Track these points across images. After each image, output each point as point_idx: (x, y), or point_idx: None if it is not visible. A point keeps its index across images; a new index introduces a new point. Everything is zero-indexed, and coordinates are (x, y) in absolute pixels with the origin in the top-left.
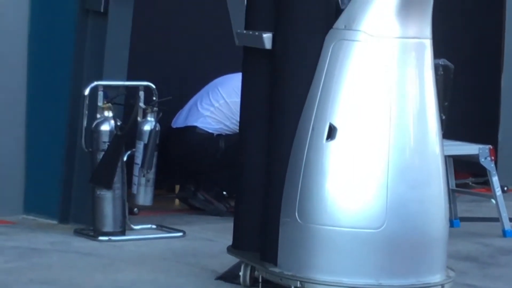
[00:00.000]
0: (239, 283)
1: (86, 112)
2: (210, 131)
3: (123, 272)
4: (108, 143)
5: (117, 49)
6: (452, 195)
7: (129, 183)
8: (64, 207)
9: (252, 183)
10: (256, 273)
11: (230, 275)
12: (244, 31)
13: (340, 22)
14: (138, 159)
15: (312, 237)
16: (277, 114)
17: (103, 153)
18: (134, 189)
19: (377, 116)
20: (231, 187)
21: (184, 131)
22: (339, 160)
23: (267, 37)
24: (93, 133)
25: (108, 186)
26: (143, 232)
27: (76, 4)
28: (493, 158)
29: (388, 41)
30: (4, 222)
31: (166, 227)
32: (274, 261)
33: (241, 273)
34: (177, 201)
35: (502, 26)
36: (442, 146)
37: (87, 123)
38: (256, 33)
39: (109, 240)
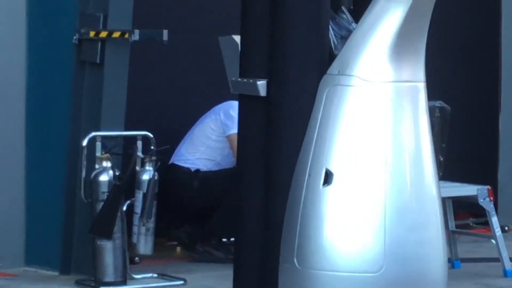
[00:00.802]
0: None
1: (85, 162)
2: (187, 165)
3: None
4: (107, 193)
5: (114, 99)
6: (452, 236)
7: (129, 232)
8: (65, 258)
9: (250, 232)
10: None
11: None
12: (239, 79)
13: (333, 68)
14: (138, 208)
15: (312, 282)
16: (273, 161)
17: (102, 203)
18: (134, 238)
19: (373, 160)
20: (225, 231)
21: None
22: (336, 205)
23: (261, 84)
24: (92, 183)
25: (108, 236)
26: (144, 281)
27: (73, 56)
28: (492, 198)
29: (382, 85)
30: (6, 274)
31: (167, 276)
32: None
33: None
34: (178, 249)
35: (499, 63)
36: (439, 188)
37: (86, 174)
38: (251, 81)
39: None
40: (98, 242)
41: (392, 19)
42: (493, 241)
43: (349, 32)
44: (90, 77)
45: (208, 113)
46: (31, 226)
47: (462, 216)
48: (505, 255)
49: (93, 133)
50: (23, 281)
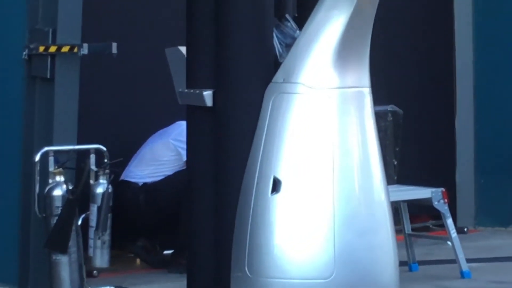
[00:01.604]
0: None
1: (38, 177)
2: (135, 180)
3: None
4: (61, 208)
5: (65, 113)
6: (408, 239)
7: (85, 246)
8: (22, 273)
9: (201, 243)
10: None
11: None
12: (186, 90)
13: (279, 76)
14: (93, 222)
15: None
16: (222, 171)
17: (56, 217)
18: (91, 251)
19: (320, 167)
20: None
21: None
22: (285, 212)
23: (207, 94)
24: (46, 198)
25: (63, 250)
26: None
27: (23, 71)
28: (446, 200)
29: (327, 92)
30: None
31: None
32: None
33: None
34: (138, 260)
35: (452, 64)
36: (388, 193)
37: (39, 189)
38: (197, 91)
39: None
40: (54, 257)
41: (335, 26)
42: (449, 243)
43: (294, 39)
44: (41, 92)
45: (156, 137)
46: None
47: (423, 218)
48: (461, 257)
49: (46, 148)
50: None
